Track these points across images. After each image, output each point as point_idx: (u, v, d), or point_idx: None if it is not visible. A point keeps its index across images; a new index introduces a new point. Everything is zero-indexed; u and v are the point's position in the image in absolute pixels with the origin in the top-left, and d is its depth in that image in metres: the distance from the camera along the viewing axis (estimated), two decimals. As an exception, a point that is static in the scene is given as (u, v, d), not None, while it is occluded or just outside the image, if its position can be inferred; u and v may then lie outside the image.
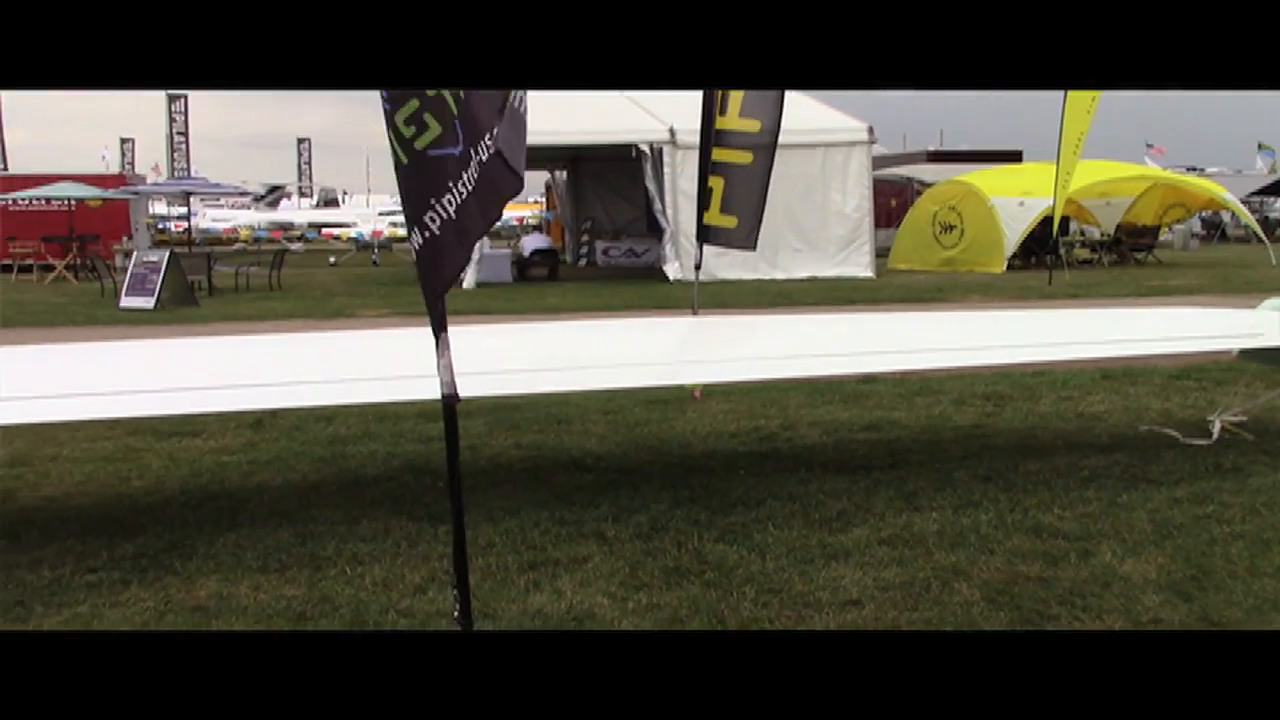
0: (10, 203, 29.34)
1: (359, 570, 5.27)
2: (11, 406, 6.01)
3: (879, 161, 29.00)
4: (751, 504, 6.21)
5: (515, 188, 3.36)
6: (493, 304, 18.67)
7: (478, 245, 22.64)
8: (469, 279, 21.84)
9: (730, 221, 8.83)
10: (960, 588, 4.93)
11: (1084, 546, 5.43)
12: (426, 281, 3.31)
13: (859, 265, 23.52)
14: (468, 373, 5.72)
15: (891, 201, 32.42)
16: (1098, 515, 5.95)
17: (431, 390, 6.35)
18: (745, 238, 8.87)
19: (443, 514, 6.05)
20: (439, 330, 3.34)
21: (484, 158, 3.22)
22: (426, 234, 3.24)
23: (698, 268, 9.46)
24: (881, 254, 25.91)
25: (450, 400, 3.41)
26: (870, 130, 23.65)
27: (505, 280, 23.16)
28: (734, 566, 5.25)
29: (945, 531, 5.69)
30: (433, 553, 5.50)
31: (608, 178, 29.06)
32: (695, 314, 9.32)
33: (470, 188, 3.22)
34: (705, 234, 9.07)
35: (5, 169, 37.88)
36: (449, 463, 3.56)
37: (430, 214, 3.25)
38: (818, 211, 23.06)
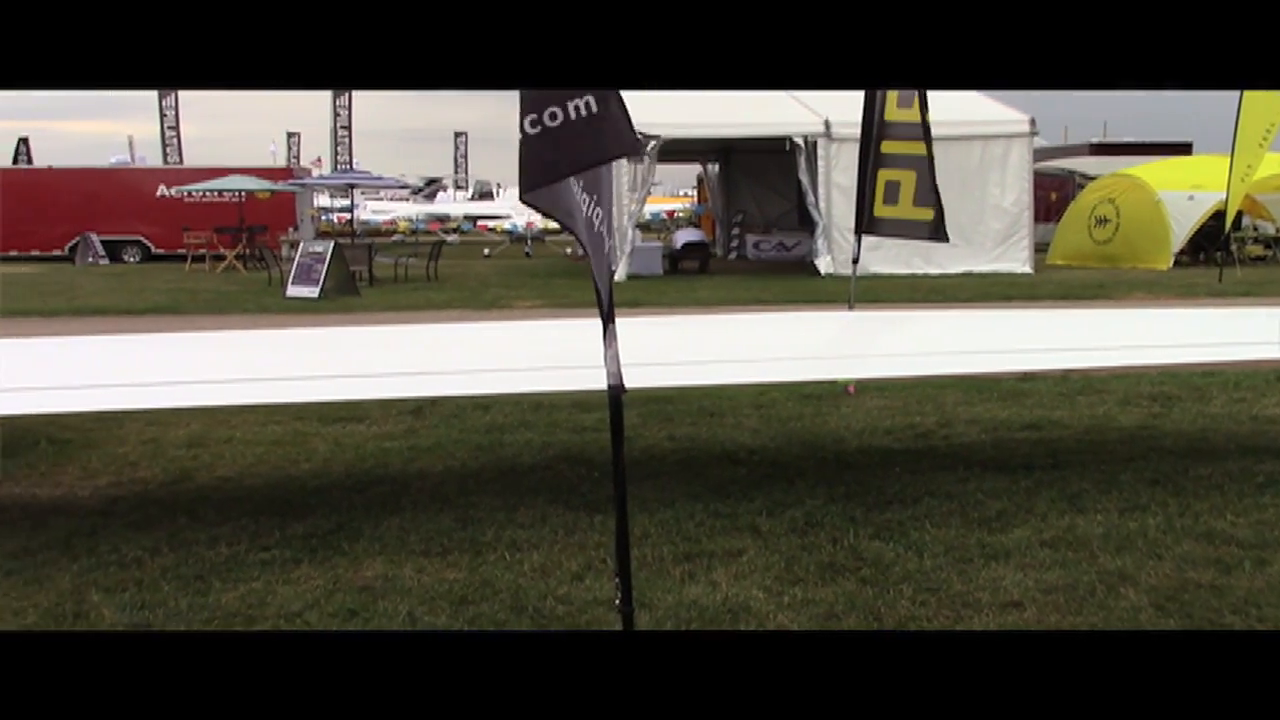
0: (185, 195, 30.65)
1: (518, 556, 5.38)
2: (189, 390, 6.31)
3: (1039, 154, 28.25)
4: (908, 501, 6.14)
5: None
6: (644, 297, 18.77)
7: (629, 238, 22.78)
8: (620, 271, 22.01)
9: (925, 214, 8.68)
10: (1127, 593, 4.79)
11: (1259, 555, 5.22)
12: (597, 273, 3.36)
13: (1016, 260, 22.96)
14: (623, 364, 5.79)
15: (1051, 195, 31.56)
16: (1274, 522, 5.71)
17: (585, 381, 6.46)
18: (938, 229, 8.73)
19: (598, 503, 6.14)
20: (607, 321, 3.39)
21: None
22: (595, 228, 3.31)
23: (855, 262, 9.34)
24: (1040, 249, 25.23)
25: (616, 391, 3.45)
26: (1032, 122, 23.06)
27: (656, 273, 23.26)
28: (890, 564, 5.20)
29: (1111, 535, 5.53)
30: (589, 541, 5.58)
31: (759, 170, 28.94)
32: (851, 308, 9.22)
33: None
34: (881, 227, 8.95)
35: (180, 162, 39.59)
36: (613, 453, 3.60)
37: (597, 208, 3.31)
38: (974, 205, 22.57)
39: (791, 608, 4.71)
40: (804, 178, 22.80)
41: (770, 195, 29.42)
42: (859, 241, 9.27)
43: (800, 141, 22.38)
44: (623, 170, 22.26)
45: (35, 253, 30.86)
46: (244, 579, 5.14)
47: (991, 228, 22.88)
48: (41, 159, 40.84)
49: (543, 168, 3.11)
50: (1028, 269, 22.94)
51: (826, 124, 22.01)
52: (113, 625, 4.63)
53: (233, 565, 5.31)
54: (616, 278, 21.82)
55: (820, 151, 22.32)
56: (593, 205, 3.33)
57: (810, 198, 22.84)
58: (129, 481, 6.93)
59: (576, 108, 3.06)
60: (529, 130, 3.04)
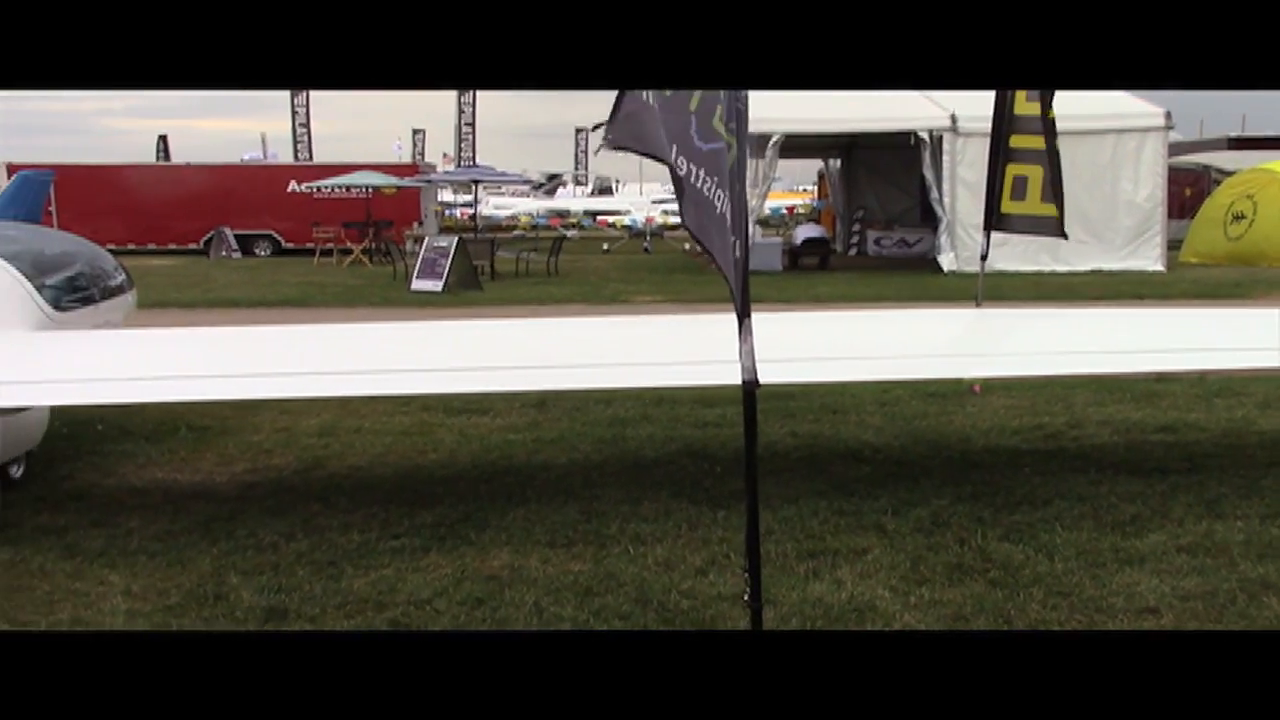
0: (315, 190, 31.38)
1: (642, 550, 5.41)
2: (320, 381, 6.47)
3: (1174, 148, 27.33)
4: (1037, 503, 6.02)
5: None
6: (764, 292, 18.62)
7: (749, 234, 22.85)
8: (739, 267, 21.92)
9: (1051, 210, 8.50)
10: (1270, 602, 4.63)
11: None
12: (731, 268, 3.36)
13: (1148, 258, 22.28)
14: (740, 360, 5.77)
15: (1186, 191, 30.52)
16: None
17: (707, 376, 6.47)
18: (1061, 226, 8.55)
19: (721, 499, 6.15)
20: (742, 316, 3.39)
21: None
22: (719, 210, 3.33)
23: (984, 258, 9.15)
24: (1172, 247, 24.45)
25: (750, 386, 3.45)
26: (1167, 115, 22.35)
27: (775, 269, 23.11)
28: (1020, 566, 5.10)
29: (1252, 542, 5.36)
30: (712, 536, 5.58)
31: (882, 166, 28.56)
32: (979, 305, 9.05)
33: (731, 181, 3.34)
34: (1008, 223, 8.77)
35: (310, 159, 40.54)
36: (746, 448, 3.59)
37: (718, 190, 3.32)
38: (1106, 201, 21.96)
39: (918, 608, 4.65)
40: (928, 173, 22.43)
41: (892, 191, 29.01)
42: (987, 238, 9.09)
43: (925, 136, 22.02)
44: (744, 165, 22.18)
45: (172, 246, 31.85)
46: (375, 566, 5.26)
47: (1123, 224, 22.24)
48: (180, 155, 42.17)
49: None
50: (1160, 267, 22.26)
51: (953, 118, 21.62)
52: (251, 607, 4.78)
53: (364, 552, 5.44)
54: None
55: (946, 146, 21.93)
56: (723, 201, 3.33)
57: (934, 193, 22.47)
58: (264, 468, 7.14)
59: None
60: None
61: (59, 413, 7.11)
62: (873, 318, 9.88)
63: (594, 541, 5.55)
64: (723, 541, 5.49)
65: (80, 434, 7.81)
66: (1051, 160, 8.40)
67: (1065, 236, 8.74)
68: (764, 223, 25.92)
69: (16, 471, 6.63)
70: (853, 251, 28.93)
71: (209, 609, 4.78)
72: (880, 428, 8.02)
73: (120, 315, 8.10)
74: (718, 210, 3.36)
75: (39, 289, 6.96)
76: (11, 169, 28.68)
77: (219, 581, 5.08)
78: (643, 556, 5.33)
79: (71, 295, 7.39)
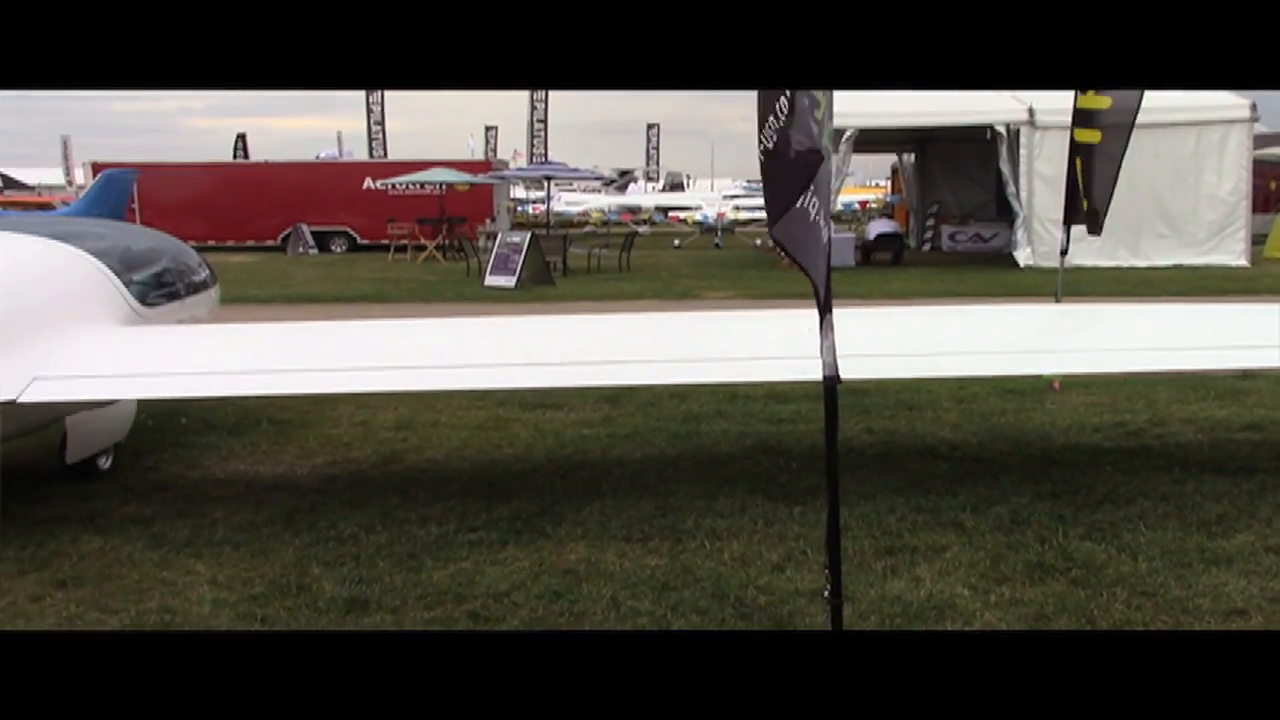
0: (389, 187, 31.73)
1: (718, 545, 5.41)
2: (397, 375, 6.55)
3: (1260, 140, 26.69)
4: (1120, 501, 5.93)
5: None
6: (837, 288, 18.18)
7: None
8: (812, 263, 21.82)
9: (1088, 204, 8.40)
10: (1364, 605, 4.52)
11: None
12: (814, 265, 3.35)
13: (1231, 253, 21.79)
14: (816, 356, 5.73)
15: (1271, 184, 29.84)
16: None
17: (781, 372, 6.44)
18: (1095, 221, 8.43)
19: (796, 495, 6.13)
20: (824, 312, 3.37)
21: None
22: (812, 218, 3.31)
23: (1063, 254, 9.04)
24: (1257, 241, 23.90)
25: (831, 382, 3.43)
26: (1253, 107, 21.84)
27: (848, 264, 22.96)
28: (1103, 566, 5.03)
29: (1344, 543, 5.23)
30: (789, 533, 5.57)
31: (957, 160, 28.21)
32: (1058, 301, 8.92)
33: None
34: (1076, 217, 8.67)
35: (385, 156, 40.97)
36: (827, 444, 3.57)
37: (814, 198, 3.30)
38: (1188, 194, 21.53)
39: (999, 607, 4.60)
40: (1004, 167, 22.14)
41: (967, 185, 28.65)
42: (1067, 232, 8.97)
43: (1002, 130, 21.72)
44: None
45: (250, 243, 32.39)
46: (454, 558, 5.31)
47: (1205, 218, 21.78)
48: (257, 154, 42.90)
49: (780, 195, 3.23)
50: (1243, 262, 21.76)
51: (1030, 111, 21.31)
52: (333, 598, 4.85)
53: (443, 544, 5.50)
54: (808, 269, 21.67)
55: (1023, 140, 21.62)
56: (809, 196, 3.32)
57: (1010, 188, 22.17)
58: (343, 461, 7.24)
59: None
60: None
61: (144, 406, 7.26)
62: (949, 313, 9.77)
63: (670, 536, 5.55)
64: (799, 538, 5.48)
65: (165, 426, 7.97)
66: (1103, 152, 8.27)
67: (1097, 233, 8.61)
68: (836, 218, 25.66)
69: (105, 463, 6.79)
70: (926, 247, 28.63)
71: (292, 599, 4.85)
72: (957, 424, 7.94)
73: (204, 310, 8.26)
74: (798, 205, 3.35)
75: (127, 285, 7.11)
76: (96, 168, 29.37)
77: (301, 572, 5.16)
78: (719, 551, 5.32)
79: (157, 291, 7.55)
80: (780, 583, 4.92)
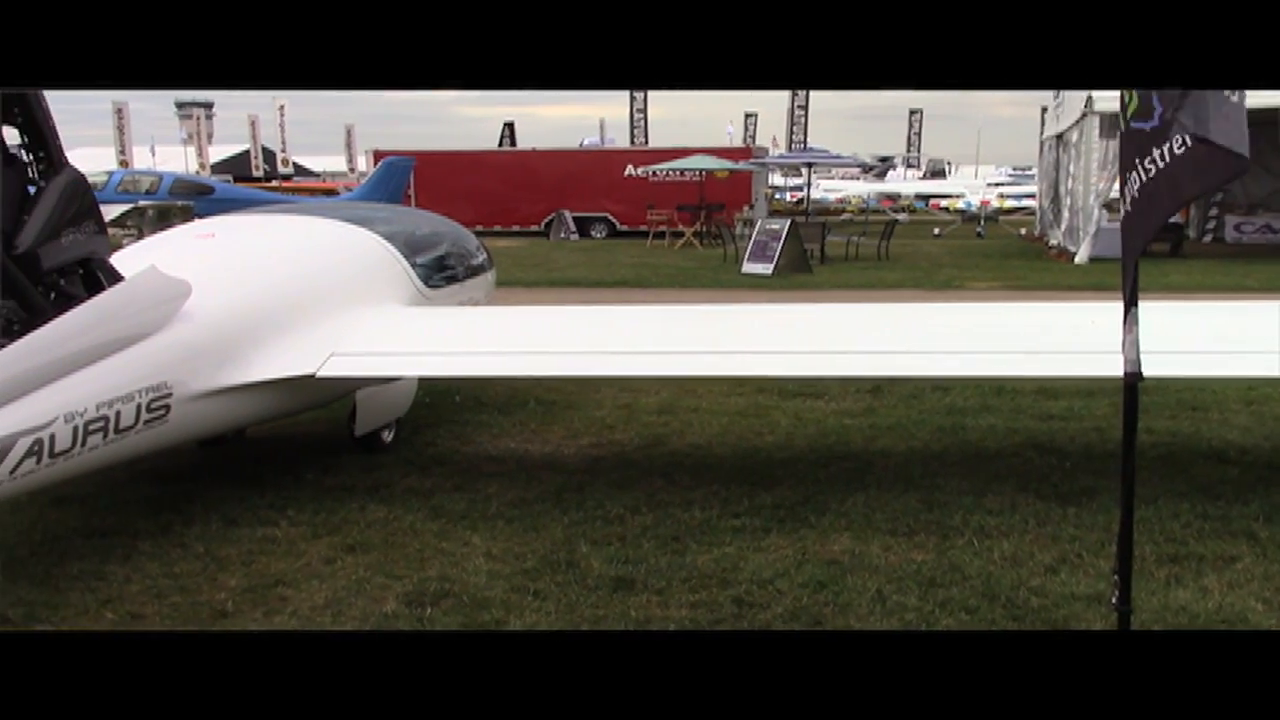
0: (650, 174, 32.24)
1: (987, 543, 5.27)
2: (663, 361, 6.66)
3: None
4: None
5: (1228, 171, 3.10)
6: (1109, 280, 17.71)
7: (1095, 218, 21.53)
8: (1082, 254, 20.94)
9: None
10: None
11: None
12: (1126, 253, 3.21)
13: None
14: (1100, 351, 5.48)
15: None
16: None
17: (1053, 367, 6.21)
18: None
19: (1070, 495, 5.91)
20: (1130, 305, 3.23)
21: (1184, 136, 3.03)
22: (1126, 206, 3.17)
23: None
24: None
25: (1132, 379, 3.28)
26: None
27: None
28: None
29: None
30: (1062, 534, 5.37)
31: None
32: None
33: (1162, 164, 3.07)
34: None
35: (646, 143, 41.62)
36: (1124, 443, 3.44)
37: (1127, 186, 3.17)
38: None
39: (1297, 624, 4.32)
40: (1301, 152, 20.63)
41: (1256, 171, 26.79)
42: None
43: (1299, 112, 20.21)
44: (1093, 147, 21.15)
45: (515, 228, 33.52)
46: (717, 543, 5.37)
47: None
48: (524, 141, 44.39)
49: (1140, 237, 3.25)
50: None
51: (1332, 92, 19.75)
52: (601, 576, 4.97)
53: (706, 529, 5.56)
54: (1077, 260, 20.78)
55: (1323, 123, 20.07)
56: (1127, 182, 3.18)
57: (1307, 175, 20.64)
58: (608, 443, 7.42)
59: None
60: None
61: (423, 383, 7.63)
62: (1236, 309, 9.18)
63: (936, 532, 5.45)
64: (1073, 540, 5.28)
65: (440, 404, 8.35)
66: None
67: None
68: (1109, 206, 24.34)
69: (388, 436, 7.17)
70: (1208, 238, 27.05)
71: (562, 574, 5.01)
72: (1247, 428, 7.46)
73: (482, 294, 8.61)
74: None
75: (413, 267, 7.50)
76: (377, 156, 31.02)
77: (570, 549, 5.32)
78: (988, 550, 5.19)
79: (440, 274, 7.92)
80: (1054, 585, 4.75)
